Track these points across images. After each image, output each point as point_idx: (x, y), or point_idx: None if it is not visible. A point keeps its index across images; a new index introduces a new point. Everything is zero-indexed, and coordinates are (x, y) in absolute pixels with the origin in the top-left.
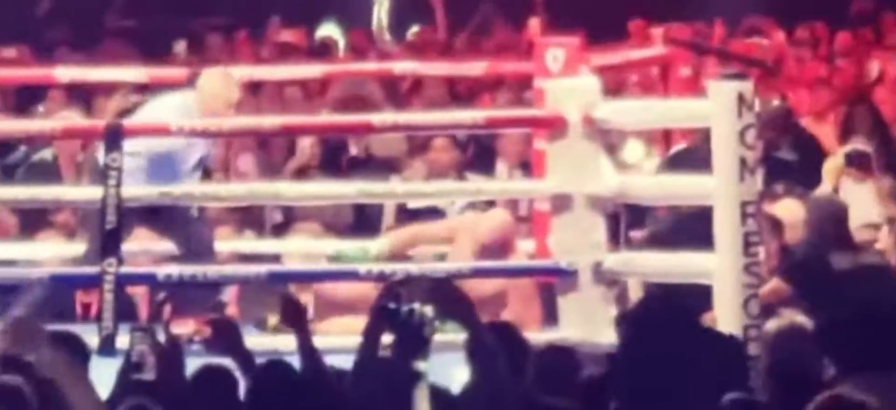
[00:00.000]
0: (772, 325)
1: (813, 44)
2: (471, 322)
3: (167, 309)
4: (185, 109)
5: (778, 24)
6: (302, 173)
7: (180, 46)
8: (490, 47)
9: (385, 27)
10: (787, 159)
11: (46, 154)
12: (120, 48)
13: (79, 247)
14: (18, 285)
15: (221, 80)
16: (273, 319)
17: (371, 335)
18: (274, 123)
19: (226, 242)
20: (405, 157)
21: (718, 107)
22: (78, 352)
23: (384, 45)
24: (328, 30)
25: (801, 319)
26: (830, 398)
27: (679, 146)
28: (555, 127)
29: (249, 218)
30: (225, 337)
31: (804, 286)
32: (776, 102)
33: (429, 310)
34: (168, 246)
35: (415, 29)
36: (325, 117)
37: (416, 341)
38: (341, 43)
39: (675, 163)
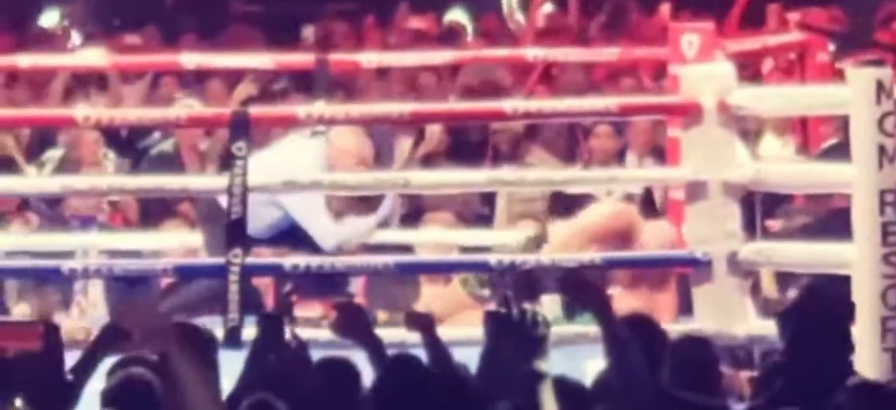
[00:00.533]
0: None
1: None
2: (603, 312)
3: (293, 300)
4: (316, 154)
5: None
6: (429, 160)
7: (308, 32)
8: (623, 33)
9: (516, 8)
10: None
11: (167, 146)
12: (246, 34)
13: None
14: (145, 276)
15: (353, 138)
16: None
17: (490, 339)
18: (403, 110)
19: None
20: (524, 143)
21: (857, 94)
22: (205, 346)
23: (517, 28)
24: (456, 15)
25: None
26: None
27: (832, 141)
28: (690, 114)
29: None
30: (353, 321)
31: None
32: None
33: (540, 309)
34: None
35: (548, 8)
36: (455, 103)
37: (531, 342)
38: (469, 27)
39: (829, 158)
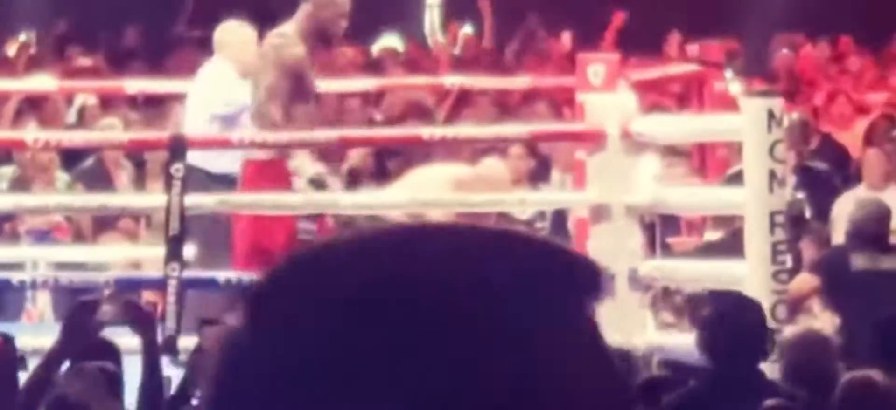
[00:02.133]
0: (791, 331)
1: (839, 57)
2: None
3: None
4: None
5: (807, 39)
6: (354, 175)
7: None
8: (532, 60)
9: (437, 28)
10: (819, 168)
11: (90, 161)
12: (190, 58)
13: (142, 251)
14: (88, 287)
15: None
16: None
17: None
18: (331, 136)
19: None
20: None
21: (749, 122)
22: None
23: (437, 46)
24: (390, 40)
25: (819, 325)
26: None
27: (737, 167)
28: (595, 140)
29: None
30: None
31: (828, 282)
32: (795, 115)
33: None
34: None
35: (466, 30)
36: (379, 130)
37: None
38: (401, 50)
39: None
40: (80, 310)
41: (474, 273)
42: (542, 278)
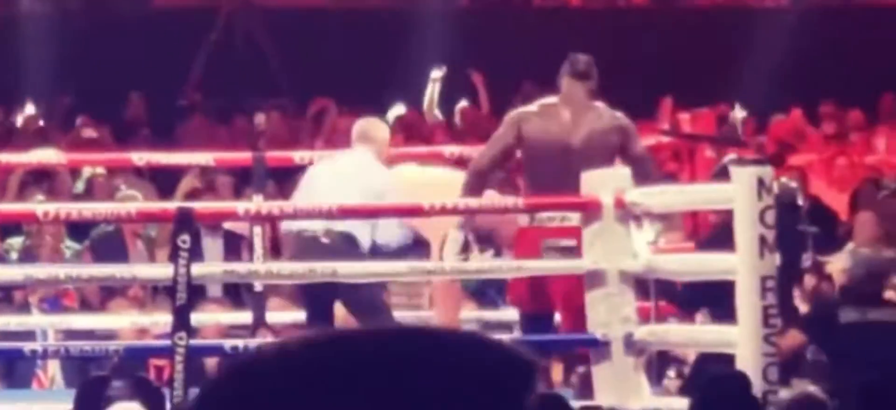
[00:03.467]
0: (785, 394)
1: (825, 120)
2: None
3: None
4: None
5: (796, 104)
6: None
7: (260, 119)
8: None
9: (435, 104)
10: (808, 231)
11: (109, 228)
12: (196, 126)
13: (150, 318)
14: (97, 356)
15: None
16: None
17: None
18: (332, 206)
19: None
20: None
21: (740, 190)
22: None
23: (434, 123)
24: (398, 110)
25: (813, 389)
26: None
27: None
28: (590, 209)
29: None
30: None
31: (816, 338)
32: (785, 180)
33: None
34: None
35: (462, 103)
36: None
37: None
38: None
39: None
40: (91, 386)
41: (406, 381)
42: (474, 379)
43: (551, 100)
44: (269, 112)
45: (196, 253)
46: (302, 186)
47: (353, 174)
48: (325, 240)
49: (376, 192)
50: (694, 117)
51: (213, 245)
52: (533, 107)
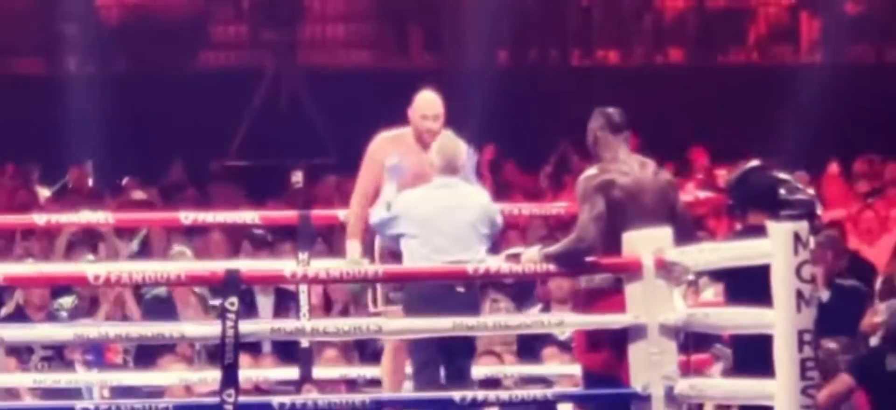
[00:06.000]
0: None
1: (865, 176)
2: None
3: None
4: None
5: (833, 158)
6: None
7: (297, 176)
8: (569, 185)
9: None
10: (848, 285)
11: (161, 291)
12: (230, 191)
13: (198, 374)
14: None
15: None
16: None
17: None
18: (378, 269)
19: (333, 368)
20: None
21: (777, 245)
22: None
23: None
24: None
25: None
26: None
27: None
28: (631, 269)
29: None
30: None
31: (863, 382)
32: (827, 232)
33: None
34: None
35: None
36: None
37: None
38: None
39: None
40: None
41: None
42: None
43: (619, 154)
44: (314, 172)
45: (250, 308)
46: (407, 218)
47: (466, 207)
48: (459, 290)
49: (492, 220)
50: (730, 173)
51: (265, 301)
52: (610, 167)
